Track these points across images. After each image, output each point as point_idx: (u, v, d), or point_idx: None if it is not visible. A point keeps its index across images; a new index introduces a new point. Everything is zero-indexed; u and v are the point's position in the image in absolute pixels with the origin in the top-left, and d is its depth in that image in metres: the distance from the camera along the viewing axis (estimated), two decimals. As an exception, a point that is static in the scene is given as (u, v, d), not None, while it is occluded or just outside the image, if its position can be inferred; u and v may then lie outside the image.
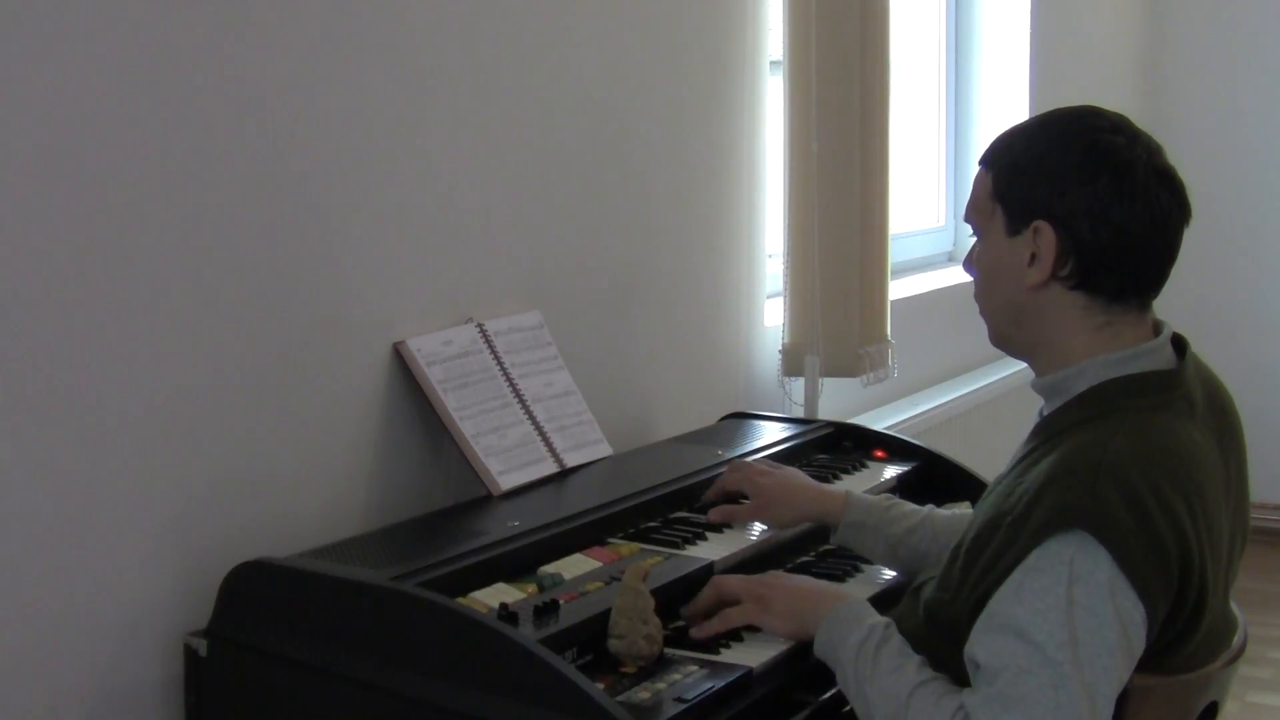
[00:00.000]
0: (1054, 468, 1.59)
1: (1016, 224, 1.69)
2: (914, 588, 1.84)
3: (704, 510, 2.18)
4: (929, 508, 2.09)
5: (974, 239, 1.78)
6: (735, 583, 1.87)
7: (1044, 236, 1.67)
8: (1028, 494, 1.59)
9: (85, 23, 1.71)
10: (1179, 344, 1.74)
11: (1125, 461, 1.56)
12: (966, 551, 1.64)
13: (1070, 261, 1.66)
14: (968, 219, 1.79)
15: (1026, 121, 1.78)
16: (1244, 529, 1.75)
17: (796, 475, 2.20)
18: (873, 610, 1.75)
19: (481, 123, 2.31)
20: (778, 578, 1.89)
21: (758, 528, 2.14)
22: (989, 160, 1.76)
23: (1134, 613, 1.53)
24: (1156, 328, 1.73)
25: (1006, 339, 1.78)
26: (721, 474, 2.22)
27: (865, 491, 2.18)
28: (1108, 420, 1.63)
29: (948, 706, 1.56)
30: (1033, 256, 1.68)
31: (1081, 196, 1.65)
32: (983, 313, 1.79)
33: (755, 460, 2.28)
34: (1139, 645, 1.55)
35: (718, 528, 2.11)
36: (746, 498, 2.17)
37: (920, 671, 1.62)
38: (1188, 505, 1.57)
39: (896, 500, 2.12)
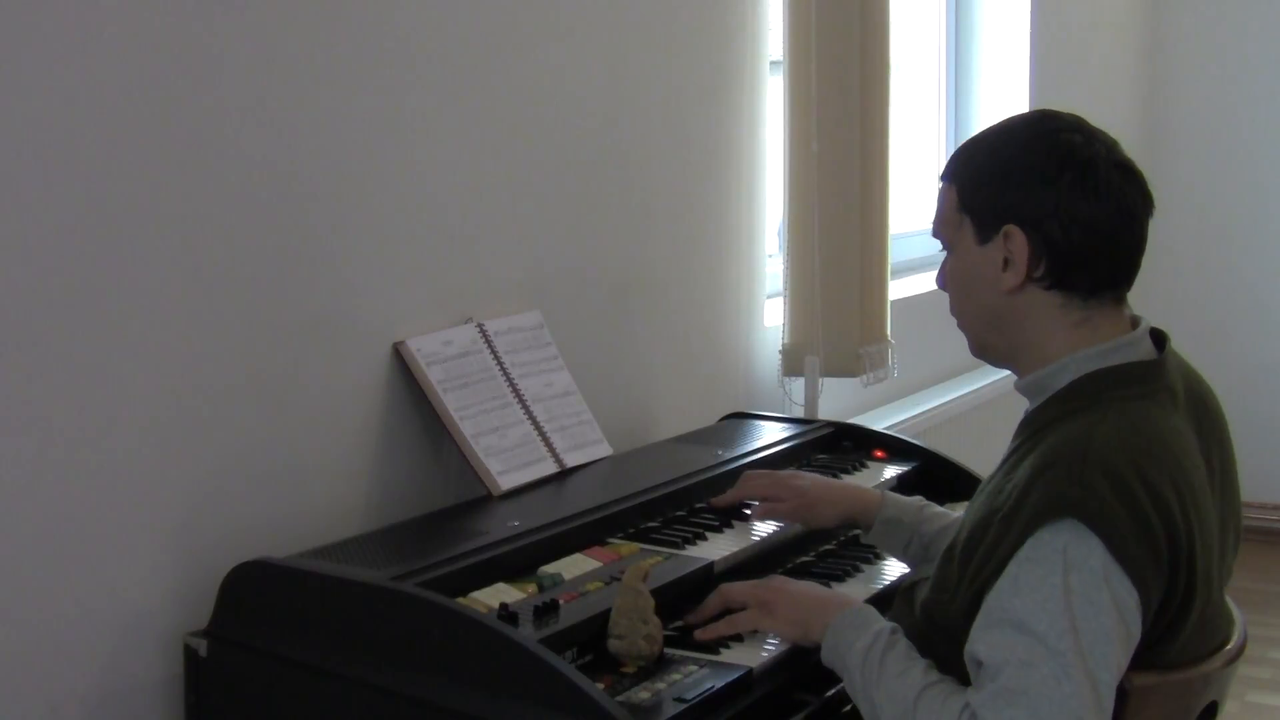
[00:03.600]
0: (1041, 460, 1.60)
1: (986, 231, 1.71)
2: (905, 587, 1.85)
3: (706, 513, 2.17)
4: (958, 513, 2.09)
5: (944, 253, 1.79)
6: (740, 589, 1.87)
7: (1015, 240, 1.68)
8: (1017, 488, 1.60)
9: (84, 23, 1.71)
10: (1158, 339, 1.75)
11: (1111, 449, 1.57)
12: (961, 551, 1.65)
13: (1043, 262, 1.68)
14: (936, 235, 1.80)
15: (984, 132, 1.80)
16: (1236, 523, 1.76)
17: (824, 478, 2.22)
18: (878, 615, 1.75)
19: (482, 123, 2.31)
20: (783, 583, 1.89)
21: (759, 528, 2.14)
22: (951, 174, 1.78)
23: (1128, 599, 1.53)
24: (1134, 322, 1.74)
25: (988, 347, 1.79)
26: (733, 483, 2.20)
27: None
28: (1091, 411, 1.64)
29: (954, 707, 1.56)
30: (1006, 261, 1.70)
31: (1047, 197, 1.66)
32: (961, 325, 1.81)
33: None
34: (1136, 631, 1.55)
35: (718, 527, 2.11)
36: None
37: (927, 674, 1.62)
38: (1175, 491, 1.58)
39: (927, 502, 2.13)
